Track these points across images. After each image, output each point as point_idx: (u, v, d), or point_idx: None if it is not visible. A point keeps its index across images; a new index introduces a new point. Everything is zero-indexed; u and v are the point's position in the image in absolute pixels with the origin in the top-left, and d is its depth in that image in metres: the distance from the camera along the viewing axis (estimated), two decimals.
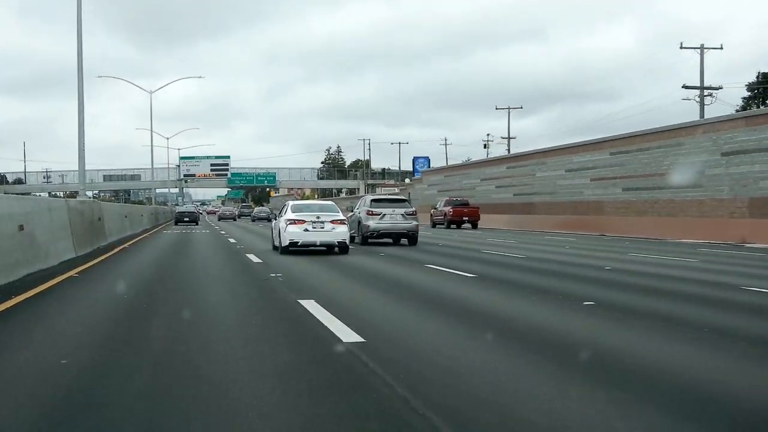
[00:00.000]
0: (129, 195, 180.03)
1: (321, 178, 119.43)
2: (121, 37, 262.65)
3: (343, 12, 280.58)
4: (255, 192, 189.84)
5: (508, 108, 74.80)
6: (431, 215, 47.62)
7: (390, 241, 24.60)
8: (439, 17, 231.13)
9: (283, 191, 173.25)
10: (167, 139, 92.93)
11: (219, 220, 74.30)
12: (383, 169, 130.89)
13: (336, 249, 19.56)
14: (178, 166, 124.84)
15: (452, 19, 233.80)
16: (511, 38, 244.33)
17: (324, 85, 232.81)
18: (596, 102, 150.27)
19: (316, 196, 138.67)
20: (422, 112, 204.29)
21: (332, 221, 19.85)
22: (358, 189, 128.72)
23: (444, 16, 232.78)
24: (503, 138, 76.21)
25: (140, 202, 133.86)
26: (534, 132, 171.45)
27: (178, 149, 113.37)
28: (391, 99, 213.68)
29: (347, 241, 19.35)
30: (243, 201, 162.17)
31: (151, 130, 63.14)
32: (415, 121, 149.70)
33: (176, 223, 52.71)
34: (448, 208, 45.00)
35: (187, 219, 54.02)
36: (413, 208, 25.71)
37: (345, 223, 19.68)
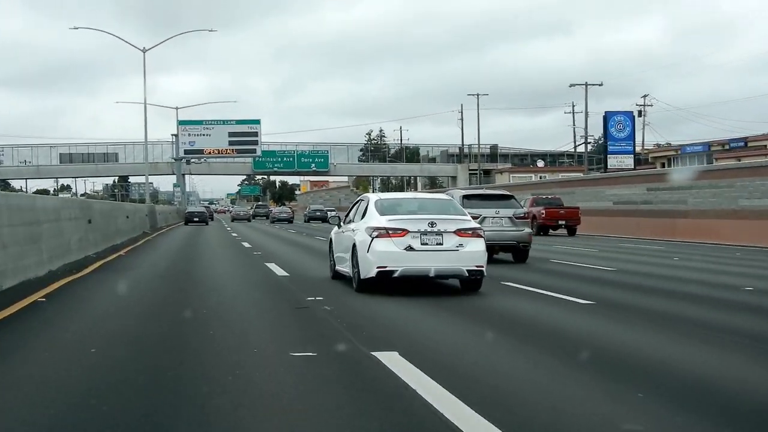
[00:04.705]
0: (127, 190, 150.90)
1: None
2: (132, 27, 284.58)
3: (357, 5, 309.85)
4: (274, 188, 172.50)
5: None
6: None
7: None
8: (456, 10, 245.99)
9: (305, 185, 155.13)
10: (143, 52, 57.74)
11: (232, 221, 73.66)
12: (492, 147, 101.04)
13: (459, 283, 13.95)
14: (176, 136, 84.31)
15: (469, 12, 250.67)
16: (532, 33, 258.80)
17: (336, 80, 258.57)
18: (616, 98, 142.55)
19: (371, 190, 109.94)
20: (438, 108, 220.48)
21: (457, 231, 13.00)
22: (455, 179, 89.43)
23: (461, 9, 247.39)
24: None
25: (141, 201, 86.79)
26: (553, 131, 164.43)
27: (176, 108, 59.72)
28: (404, 95, 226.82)
29: (485, 269, 13.29)
30: (257, 199, 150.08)
31: None
32: (428, 118, 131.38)
33: (186, 223, 58.74)
34: (538, 209, 39.32)
35: (197, 219, 59.31)
36: (524, 209, 22.07)
37: (481, 235, 13.44)
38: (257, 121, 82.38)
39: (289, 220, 69.98)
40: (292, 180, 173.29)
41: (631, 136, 63.25)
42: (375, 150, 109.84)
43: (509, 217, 20.22)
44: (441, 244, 12.75)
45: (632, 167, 61.76)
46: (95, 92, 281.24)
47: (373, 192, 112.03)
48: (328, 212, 77.28)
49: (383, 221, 13.01)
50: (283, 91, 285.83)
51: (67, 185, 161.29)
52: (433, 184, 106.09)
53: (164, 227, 50.23)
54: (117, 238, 27.85)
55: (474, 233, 13.07)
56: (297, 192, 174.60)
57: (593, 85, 73.20)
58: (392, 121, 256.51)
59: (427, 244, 12.71)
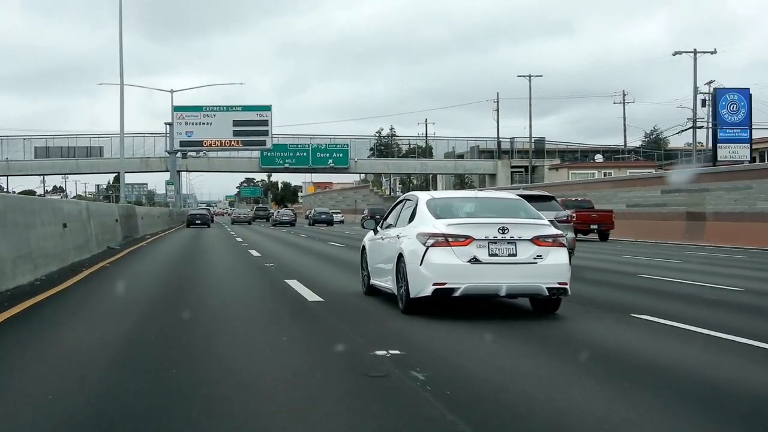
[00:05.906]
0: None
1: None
2: (134, 28, 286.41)
3: (362, 3, 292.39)
4: (276, 190, 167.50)
5: None
6: None
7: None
8: (461, 10, 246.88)
9: (311, 186, 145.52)
10: None
11: (233, 223, 77.66)
12: (537, 141, 63.32)
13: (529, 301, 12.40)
14: (170, 125, 71.28)
15: (475, 12, 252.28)
16: (535, 33, 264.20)
17: (340, 80, 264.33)
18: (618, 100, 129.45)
19: (389, 193, 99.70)
20: (439, 110, 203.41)
21: (534, 239, 10.86)
22: (494, 177, 76.96)
23: (467, 8, 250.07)
24: None
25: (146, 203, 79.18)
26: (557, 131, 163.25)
27: (171, 91, 45.52)
28: (406, 97, 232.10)
29: (568, 285, 11.22)
30: (257, 201, 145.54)
31: None
32: (433, 118, 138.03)
33: (188, 225, 61.17)
34: (569, 212, 34.41)
35: (199, 221, 60.96)
36: (566, 212, 21.48)
37: (564, 245, 11.45)
38: (268, 107, 71.02)
39: (292, 223, 71.80)
40: (294, 181, 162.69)
41: (747, 120, 54.22)
42: (386, 147, 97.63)
43: (551, 221, 19.07)
44: (514, 255, 10.65)
45: (748, 159, 49.15)
46: (93, 92, 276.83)
47: (390, 192, 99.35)
48: (335, 215, 79.04)
49: (441, 226, 10.81)
50: (286, 90, 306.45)
51: (59, 186, 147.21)
52: (462, 183, 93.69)
53: (148, 236, 38.75)
54: (21, 272, 13.31)
55: (555, 242, 11.00)
56: (300, 194, 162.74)
57: (703, 52, 62.70)
58: (392, 116, 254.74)
59: (496, 254, 10.59)
